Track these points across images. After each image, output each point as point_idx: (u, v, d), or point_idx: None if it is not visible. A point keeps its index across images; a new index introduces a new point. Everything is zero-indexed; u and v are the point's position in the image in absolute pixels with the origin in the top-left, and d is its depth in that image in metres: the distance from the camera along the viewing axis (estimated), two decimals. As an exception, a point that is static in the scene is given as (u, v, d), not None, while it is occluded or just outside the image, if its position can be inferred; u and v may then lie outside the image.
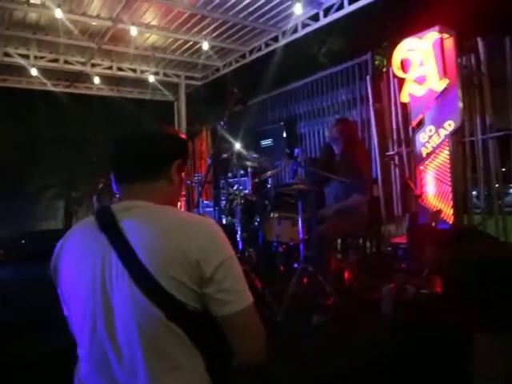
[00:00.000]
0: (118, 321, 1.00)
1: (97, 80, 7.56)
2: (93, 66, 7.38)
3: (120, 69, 7.65)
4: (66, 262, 1.12)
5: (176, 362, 1.00)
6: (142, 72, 7.88)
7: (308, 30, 6.18)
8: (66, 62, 7.10)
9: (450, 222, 3.71)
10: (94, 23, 5.97)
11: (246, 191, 4.31)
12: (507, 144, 3.89)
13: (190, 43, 6.99)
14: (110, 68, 7.55)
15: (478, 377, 2.06)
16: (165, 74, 8.19)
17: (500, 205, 4.03)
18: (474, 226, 4.06)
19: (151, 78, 7.77)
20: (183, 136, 1.29)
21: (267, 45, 6.89)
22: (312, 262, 3.29)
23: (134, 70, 7.79)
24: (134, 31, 5.75)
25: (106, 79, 7.98)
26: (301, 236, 3.27)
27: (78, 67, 7.24)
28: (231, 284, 1.02)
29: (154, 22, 6.21)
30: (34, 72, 6.85)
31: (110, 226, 1.06)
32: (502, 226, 3.97)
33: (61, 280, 1.13)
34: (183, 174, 1.24)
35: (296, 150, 3.35)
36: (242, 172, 4.92)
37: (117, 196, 1.20)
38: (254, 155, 3.99)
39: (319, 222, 3.51)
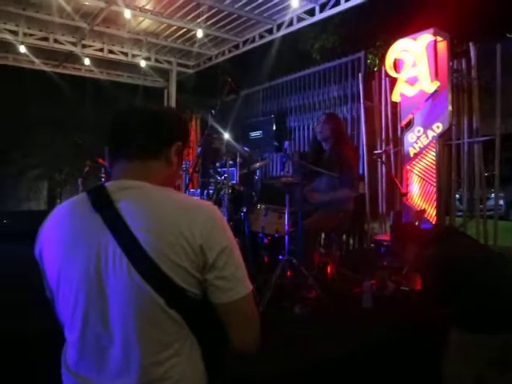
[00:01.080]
0: (113, 306, 0.97)
1: (87, 61, 7.43)
2: (83, 46, 7.23)
3: (111, 51, 7.52)
4: (54, 242, 1.05)
5: (173, 349, 0.98)
6: (134, 56, 7.76)
7: (303, 24, 6.17)
8: (55, 41, 6.93)
9: (433, 222, 3.78)
10: (86, 3, 5.86)
11: (234, 181, 4.32)
12: (492, 149, 3.97)
13: (184, 30, 6.91)
14: (101, 50, 7.41)
15: (447, 374, 2.12)
16: (156, 60, 8.09)
17: (481, 209, 4.12)
18: (456, 227, 4.15)
19: (142, 63, 7.67)
20: (185, 118, 1.27)
21: (261, 36, 6.85)
22: (296, 254, 3.33)
23: (126, 54, 7.67)
24: (127, 14, 5.67)
25: (96, 61, 7.84)
26: (286, 228, 3.30)
27: (69, 47, 7.10)
28: (232, 271, 1.00)
29: (148, 6, 6.11)
30: (22, 49, 6.70)
31: (105, 206, 1.00)
32: (483, 229, 4.07)
33: (47, 261, 1.07)
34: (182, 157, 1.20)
35: (285, 143, 3.36)
36: (230, 162, 4.93)
37: (109, 172, 1.14)
38: (245, 148, 4.01)
39: (304, 215, 3.55)
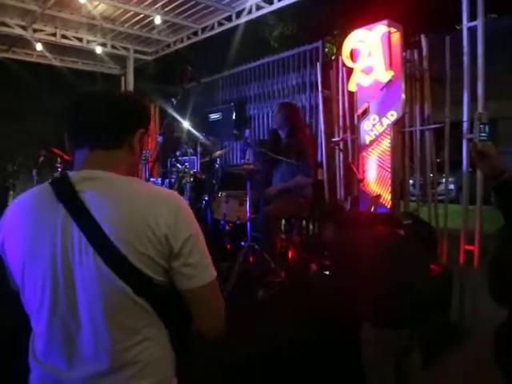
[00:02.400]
0: (81, 296, 0.98)
1: (39, 47, 7.10)
2: (34, 31, 6.91)
3: (64, 36, 7.20)
4: (17, 234, 1.05)
5: (142, 335, 1.01)
6: (89, 42, 7.49)
7: (262, 12, 6.18)
8: (3, 24, 6.59)
9: (388, 207, 3.96)
10: (37, -16, 5.61)
11: (195, 170, 4.33)
12: (443, 136, 4.18)
13: (141, 16, 6.73)
14: (54, 35, 7.08)
15: (367, 368, 2.26)
16: (113, 46, 7.84)
17: (433, 193, 4.34)
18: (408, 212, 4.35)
19: (98, 50, 7.42)
20: (147, 104, 1.27)
21: (220, 24, 6.81)
22: (258, 240, 3.41)
23: (80, 40, 7.39)
24: (83, -2, 5.47)
25: (49, 46, 7.47)
26: (248, 215, 3.36)
27: (18, 31, 6.76)
28: (197, 259, 1.03)
29: (103, -10, 5.95)
30: (-34, 33, 6.33)
31: (69, 197, 1.01)
32: (435, 212, 4.29)
33: (10, 253, 1.07)
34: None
35: (246, 131, 3.41)
36: (190, 151, 4.93)
37: (71, 161, 1.12)
38: (208, 136, 4.02)
39: (266, 202, 3.63)
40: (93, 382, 0.99)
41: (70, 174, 1.06)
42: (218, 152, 3.92)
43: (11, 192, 8.04)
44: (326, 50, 8.47)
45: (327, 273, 3.33)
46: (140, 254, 0.96)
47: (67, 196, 1.01)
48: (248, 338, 2.37)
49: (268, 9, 6.09)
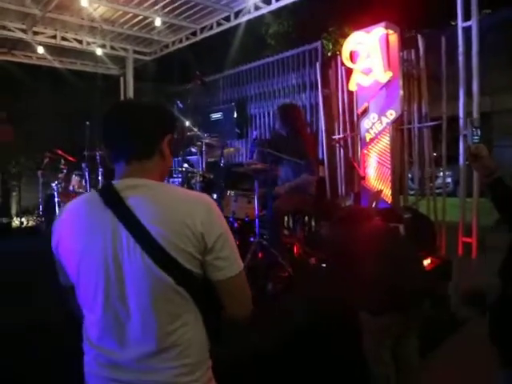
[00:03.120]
0: (130, 288, 1.12)
1: (41, 50, 7.16)
2: (35, 33, 6.97)
3: (64, 38, 7.28)
4: (72, 236, 1.19)
5: (182, 320, 1.15)
6: (88, 44, 7.56)
7: (260, 12, 6.28)
8: (3, 27, 6.65)
9: (389, 202, 4.11)
10: (37, -12, 5.68)
11: (200, 169, 4.45)
12: (440, 131, 4.34)
13: (140, 17, 6.81)
14: (54, 37, 7.14)
15: (368, 355, 2.42)
16: (112, 47, 7.92)
17: (431, 187, 4.50)
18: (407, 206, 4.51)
19: (99, 51, 7.48)
20: (171, 109, 1.38)
21: (219, 24, 6.90)
22: (266, 236, 3.55)
23: (80, 41, 7.46)
24: (84, 2, 5.54)
25: (48, 48, 7.53)
26: (256, 212, 3.51)
27: (18, 34, 6.82)
28: (227, 253, 1.18)
29: (104, -7, 6.02)
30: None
31: (116, 203, 1.14)
32: (433, 205, 4.44)
33: (65, 253, 1.20)
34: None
35: (254, 133, 3.55)
36: (193, 150, 5.04)
37: (112, 170, 1.24)
38: (213, 136, 4.15)
39: (273, 199, 3.78)
40: (142, 362, 1.13)
41: (114, 182, 1.19)
42: (229, 150, 4.02)
43: (14, 193, 8.14)
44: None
45: (324, 265, 3.52)
46: (180, 250, 1.10)
47: (114, 202, 1.15)
48: (262, 329, 2.54)
49: (266, 9, 6.18)
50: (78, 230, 1.18)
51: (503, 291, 1.73)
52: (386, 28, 3.93)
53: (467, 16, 4.04)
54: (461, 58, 4.05)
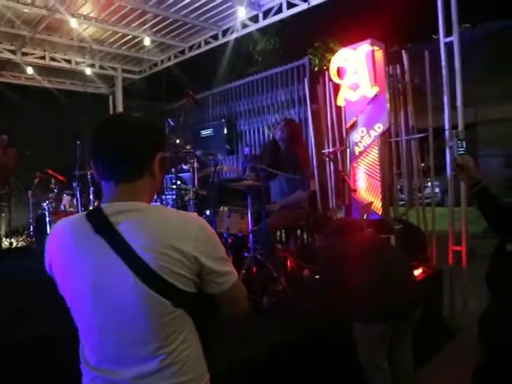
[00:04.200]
0: (127, 315, 1.12)
1: (30, 70, 7.20)
2: (24, 54, 7.02)
3: (53, 59, 7.34)
4: (62, 264, 1.17)
5: (180, 338, 1.16)
6: (77, 63, 7.64)
7: (247, 30, 6.41)
8: (-8, 49, 6.70)
9: (379, 213, 4.18)
10: (26, 10, 5.72)
11: (192, 186, 4.48)
12: (427, 143, 4.44)
13: (129, 37, 6.92)
14: (43, 58, 7.22)
15: (364, 364, 2.47)
16: (101, 67, 8.00)
17: (420, 197, 4.58)
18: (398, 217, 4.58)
19: (88, 71, 7.56)
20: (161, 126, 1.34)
21: (207, 42, 7.03)
22: (260, 251, 3.59)
23: (69, 61, 7.53)
24: (74, 23, 5.62)
25: (36, 69, 7.60)
26: (250, 227, 3.54)
27: (7, 55, 6.87)
28: (225, 269, 1.20)
29: (92, 14, 6.09)
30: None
31: (106, 229, 1.11)
32: (422, 215, 4.52)
33: (58, 278, 1.20)
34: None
35: (246, 149, 3.61)
36: (185, 167, 5.08)
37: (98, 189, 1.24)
38: (205, 152, 4.19)
39: (266, 215, 3.81)
40: (138, 381, 1.14)
41: (103, 206, 1.16)
42: (221, 167, 4.06)
43: (3, 214, 8.04)
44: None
45: (317, 277, 3.55)
46: (174, 273, 1.10)
47: (104, 228, 1.12)
48: (257, 342, 2.56)
49: (253, 27, 6.32)
50: (68, 257, 1.17)
51: (490, 299, 1.78)
52: (372, 45, 4.05)
53: (449, 31, 4.17)
54: (444, 72, 4.17)
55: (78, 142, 5.80)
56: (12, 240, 7.27)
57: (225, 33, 6.67)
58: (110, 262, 1.10)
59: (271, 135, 5.60)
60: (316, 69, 9.61)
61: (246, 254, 3.61)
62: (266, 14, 6.07)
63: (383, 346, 2.43)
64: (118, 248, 1.10)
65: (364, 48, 4.05)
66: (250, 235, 3.50)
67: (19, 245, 7.17)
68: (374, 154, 4.26)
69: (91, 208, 1.20)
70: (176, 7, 5.96)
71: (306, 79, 5.70)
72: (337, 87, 4.60)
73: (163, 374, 1.14)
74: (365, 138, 4.29)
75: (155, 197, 4.34)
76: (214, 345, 1.30)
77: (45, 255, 1.22)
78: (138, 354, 1.14)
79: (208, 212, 3.86)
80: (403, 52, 4.44)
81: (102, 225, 1.12)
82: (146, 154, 1.19)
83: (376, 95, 4.10)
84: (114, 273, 1.10)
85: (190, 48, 7.30)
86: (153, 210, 1.19)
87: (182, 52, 7.45)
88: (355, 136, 4.38)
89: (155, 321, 1.12)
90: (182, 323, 1.17)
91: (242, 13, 5.71)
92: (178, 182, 4.25)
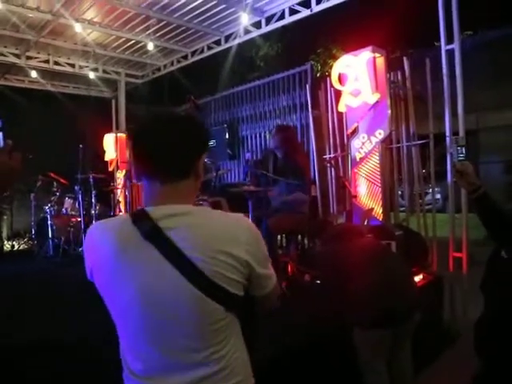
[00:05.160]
0: (182, 321, 1.09)
1: (34, 74, 7.27)
2: (28, 58, 7.09)
3: (57, 63, 7.42)
4: (106, 271, 1.13)
5: (230, 343, 1.15)
6: (81, 67, 7.71)
7: (250, 36, 6.46)
8: (-3, 52, 6.76)
9: (380, 219, 4.19)
10: (31, 15, 5.78)
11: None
12: (428, 149, 4.46)
13: (133, 41, 6.99)
14: (47, 62, 7.29)
15: (363, 369, 2.47)
16: (104, 71, 8.07)
17: (421, 203, 4.59)
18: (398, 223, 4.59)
19: (91, 75, 7.62)
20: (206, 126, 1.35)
21: (209, 48, 7.08)
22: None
23: (73, 65, 7.60)
24: (78, 28, 5.67)
25: (40, 72, 7.68)
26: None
27: (12, 59, 6.93)
28: (268, 271, 1.22)
29: (97, 19, 6.15)
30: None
31: (156, 235, 1.08)
32: (423, 221, 4.53)
33: (101, 286, 1.16)
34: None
35: (247, 155, 3.63)
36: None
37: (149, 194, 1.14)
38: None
39: (266, 220, 3.83)
40: None
41: (149, 210, 1.11)
42: (220, 171, 4.08)
43: (5, 217, 8.08)
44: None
45: (318, 282, 3.56)
46: (226, 278, 1.09)
47: (154, 234, 1.08)
48: (257, 345, 2.56)
49: (256, 32, 6.37)
50: (114, 264, 1.12)
51: (486, 306, 1.79)
52: (373, 52, 4.08)
53: (450, 39, 4.20)
54: (445, 79, 4.20)
55: (81, 146, 5.84)
56: (14, 242, 7.30)
57: (227, 38, 6.72)
58: (162, 269, 1.07)
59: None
60: (318, 75, 9.64)
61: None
62: (268, 20, 6.12)
63: (383, 350, 2.44)
64: (170, 255, 1.07)
65: (365, 55, 4.08)
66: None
67: (21, 247, 7.19)
68: (374, 160, 4.28)
69: (135, 211, 1.15)
70: (179, 13, 6.02)
71: (307, 85, 5.74)
72: (338, 93, 4.62)
73: (214, 378, 1.13)
74: (366, 144, 4.31)
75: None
76: (255, 345, 1.30)
77: (85, 262, 1.19)
78: (189, 360, 1.12)
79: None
80: (404, 58, 4.46)
81: (151, 230, 1.08)
82: (194, 153, 1.17)
83: (377, 101, 4.12)
84: (167, 280, 1.07)
85: (193, 53, 7.36)
86: (200, 212, 1.15)
87: (185, 57, 7.51)
88: (356, 142, 4.40)
89: (208, 327, 1.11)
90: (231, 327, 1.17)
91: (244, 19, 5.76)
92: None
